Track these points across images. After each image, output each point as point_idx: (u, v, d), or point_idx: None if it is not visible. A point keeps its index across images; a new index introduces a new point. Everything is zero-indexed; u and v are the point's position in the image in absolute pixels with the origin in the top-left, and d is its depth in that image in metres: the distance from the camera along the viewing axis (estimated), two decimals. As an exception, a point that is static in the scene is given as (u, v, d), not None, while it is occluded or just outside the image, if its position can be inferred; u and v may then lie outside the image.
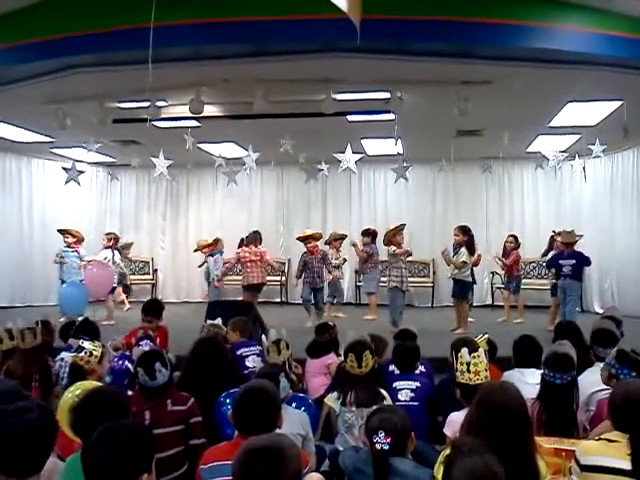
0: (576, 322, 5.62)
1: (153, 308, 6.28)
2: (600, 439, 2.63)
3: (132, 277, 12.73)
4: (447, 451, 2.57)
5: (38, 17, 5.95)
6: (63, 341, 5.37)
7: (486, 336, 4.76)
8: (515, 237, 10.18)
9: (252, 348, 5.33)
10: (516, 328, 7.80)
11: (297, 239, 10.14)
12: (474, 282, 10.04)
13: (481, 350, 3.62)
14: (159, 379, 3.49)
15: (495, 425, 2.55)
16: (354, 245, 10.16)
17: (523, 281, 11.20)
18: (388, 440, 2.80)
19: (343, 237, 10.70)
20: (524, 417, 2.68)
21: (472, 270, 9.79)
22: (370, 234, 10.22)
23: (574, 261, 8.40)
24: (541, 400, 3.54)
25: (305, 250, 9.70)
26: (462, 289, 8.85)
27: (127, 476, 2.07)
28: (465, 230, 8.85)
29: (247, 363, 5.01)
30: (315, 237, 9.91)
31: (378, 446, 2.80)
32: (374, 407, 3.26)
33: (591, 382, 3.73)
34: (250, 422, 2.72)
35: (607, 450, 2.52)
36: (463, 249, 8.68)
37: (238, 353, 5.26)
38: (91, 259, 9.81)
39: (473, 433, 2.57)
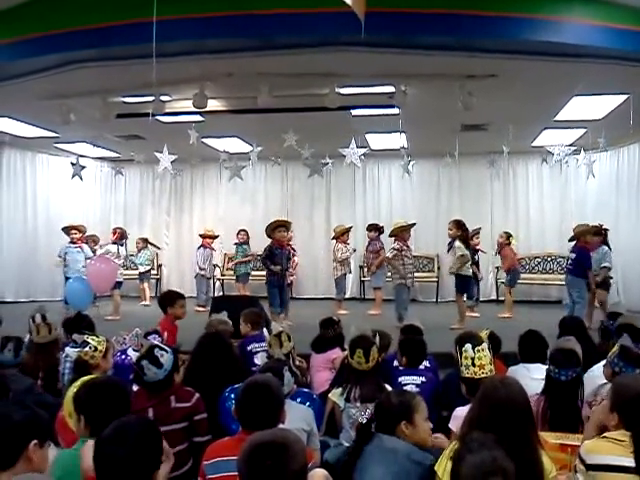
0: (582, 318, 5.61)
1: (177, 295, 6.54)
2: (605, 437, 2.62)
3: (136, 272, 12.76)
4: (451, 446, 2.57)
5: (41, 12, 5.94)
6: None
7: (488, 331, 4.77)
8: (508, 234, 10.17)
9: (263, 344, 5.23)
10: (520, 324, 7.76)
11: (268, 227, 8.98)
12: (480, 279, 10.07)
13: (485, 344, 3.61)
14: (149, 375, 3.47)
15: (498, 421, 2.54)
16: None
17: (528, 276, 11.22)
18: (366, 415, 2.85)
19: (349, 230, 10.71)
20: (527, 412, 2.67)
21: (478, 265, 9.82)
22: (377, 229, 10.20)
23: (574, 255, 8.38)
24: (546, 396, 3.52)
25: (272, 242, 8.81)
26: (461, 283, 8.82)
27: (144, 473, 2.08)
28: (459, 224, 8.80)
29: (256, 360, 4.92)
30: (288, 226, 9.23)
31: (359, 419, 2.85)
32: None
33: (600, 375, 3.70)
34: (253, 417, 2.71)
35: (613, 448, 2.52)
36: (458, 243, 8.62)
37: (248, 349, 5.23)
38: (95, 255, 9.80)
39: (475, 429, 2.56)
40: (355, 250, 10.96)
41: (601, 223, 9.10)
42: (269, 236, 8.88)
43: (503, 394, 2.64)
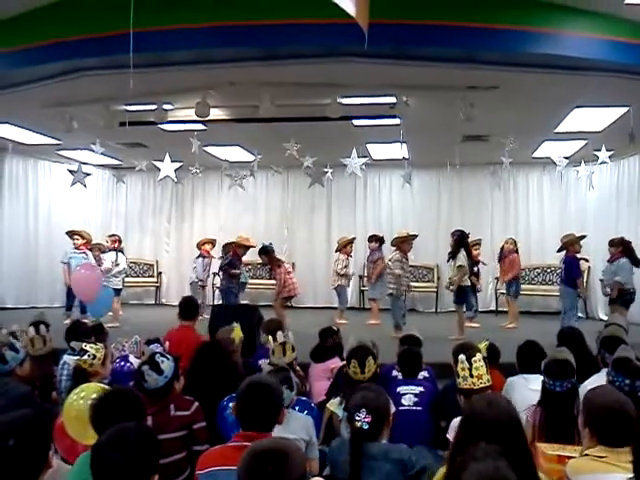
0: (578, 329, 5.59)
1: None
2: (587, 455, 2.60)
3: (136, 280, 12.80)
4: (441, 474, 2.54)
5: (45, 20, 5.97)
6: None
7: (488, 342, 4.78)
8: (514, 240, 10.18)
9: None
10: (520, 334, 7.75)
11: (234, 243, 9.79)
12: (478, 290, 10.05)
13: (479, 354, 3.61)
14: (149, 382, 3.48)
15: (488, 442, 2.48)
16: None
17: (528, 287, 11.20)
18: (368, 419, 2.87)
19: (352, 241, 10.73)
20: (518, 431, 2.58)
21: (478, 276, 9.81)
22: (378, 240, 10.22)
23: (564, 265, 8.48)
24: (542, 407, 3.52)
25: (234, 253, 9.52)
26: (460, 294, 8.81)
27: (140, 479, 2.10)
28: (455, 234, 8.86)
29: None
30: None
31: (358, 424, 2.86)
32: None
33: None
34: (253, 416, 2.73)
35: (599, 466, 2.50)
36: (462, 253, 8.63)
37: (259, 363, 5.01)
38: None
39: (464, 449, 2.51)
40: (354, 274, 11.04)
41: (622, 236, 8.70)
42: (232, 249, 9.73)
43: (491, 415, 2.56)
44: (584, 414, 2.77)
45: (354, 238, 10.91)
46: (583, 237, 8.80)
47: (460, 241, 8.73)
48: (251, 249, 10.76)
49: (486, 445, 2.12)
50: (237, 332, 5.33)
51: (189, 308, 6.09)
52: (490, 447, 2.10)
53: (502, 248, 10.13)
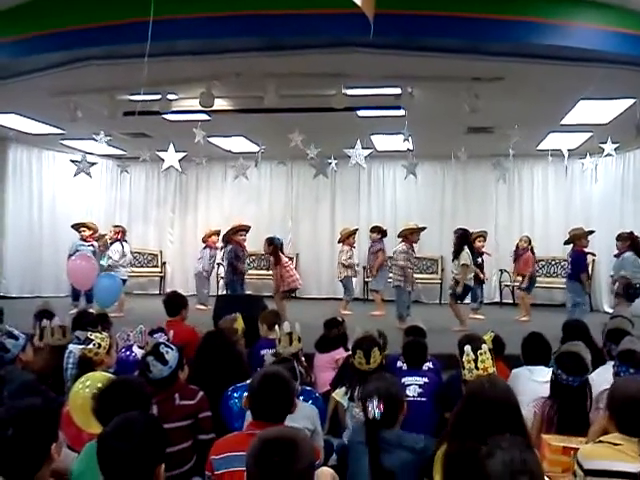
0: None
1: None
2: (601, 442, 2.61)
3: (140, 270, 12.82)
4: (442, 450, 2.56)
5: (50, 9, 5.97)
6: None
7: (493, 334, 4.78)
8: (529, 239, 10.14)
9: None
10: (524, 327, 7.75)
11: (230, 231, 9.64)
12: (483, 282, 10.04)
13: (485, 346, 3.61)
14: (154, 372, 3.51)
15: (485, 419, 2.51)
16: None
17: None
18: (381, 407, 2.88)
19: (355, 232, 10.72)
20: (515, 411, 2.61)
21: (482, 267, 9.79)
22: (380, 231, 10.20)
23: (571, 259, 8.48)
24: (553, 400, 3.50)
25: (236, 242, 9.40)
26: (462, 291, 8.78)
27: (146, 468, 2.10)
28: (457, 232, 8.85)
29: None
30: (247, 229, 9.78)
31: (370, 414, 2.88)
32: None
33: (602, 380, 3.69)
34: (266, 406, 2.75)
35: (612, 454, 2.50)
36: (466, 251, 8.62)
37: (262, 353, 4.98)
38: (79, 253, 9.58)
39: (462, 428, 2.55)
40: (358, 265, 10.99)
41: (632, 230, 8.67)
42: (229, 239, 9.50)
43: (490, 393, 2.61)
44: (608, 400, 2.79)
45: (357, 229, 10.92)
46: (591, 232, 8.77)
47: (462, 239, 8.72)
48: (256, 240, 10.82)
49: (512, 437, 2.11)
50: (239, 322, 5.36)
51: (171, 306, 6.00)
52: (517, 438, 2.10)
53: (517, 246, 10.10)
